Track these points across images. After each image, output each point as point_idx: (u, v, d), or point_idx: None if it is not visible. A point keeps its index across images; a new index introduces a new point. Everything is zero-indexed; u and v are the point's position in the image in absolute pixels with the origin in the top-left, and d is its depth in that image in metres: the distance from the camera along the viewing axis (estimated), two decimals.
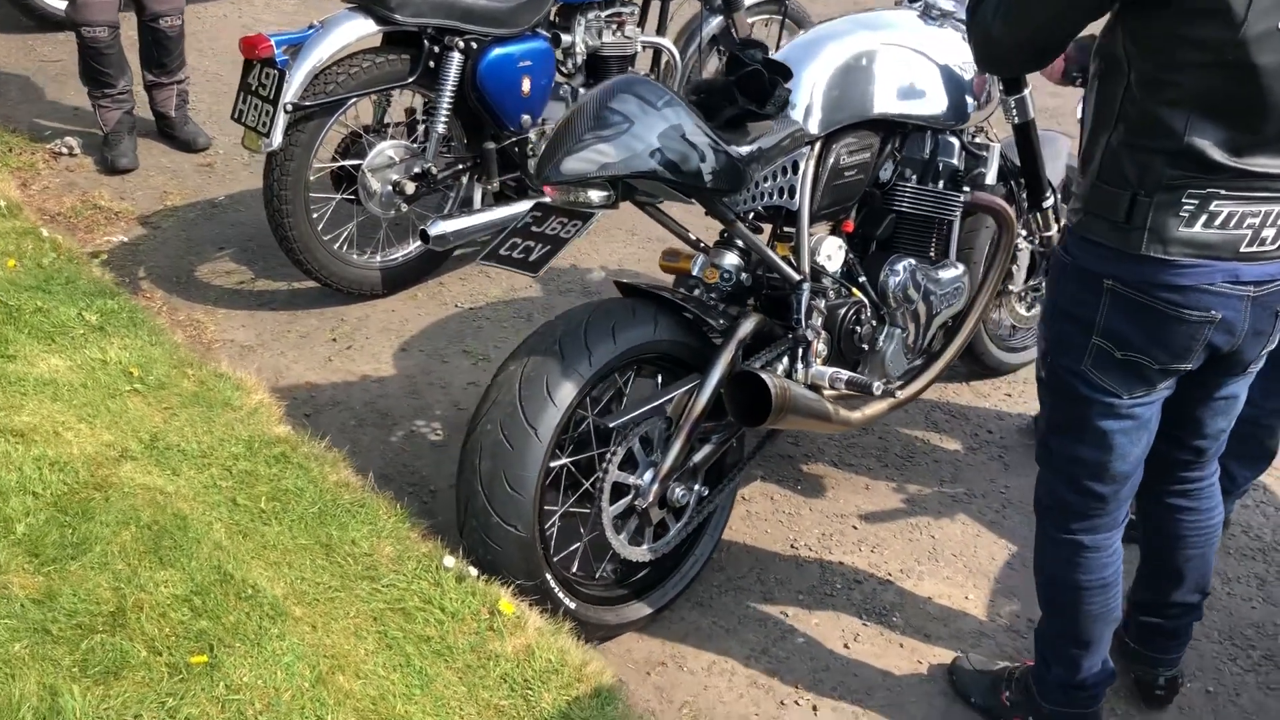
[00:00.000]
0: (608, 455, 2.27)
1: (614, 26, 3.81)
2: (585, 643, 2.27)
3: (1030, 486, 2.20)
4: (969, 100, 2.75)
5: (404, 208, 3.58)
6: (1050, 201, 2.88)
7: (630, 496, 2.32)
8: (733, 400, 2.28)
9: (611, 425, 2.26)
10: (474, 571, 2.23)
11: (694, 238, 2.63)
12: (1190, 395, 2.00)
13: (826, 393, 2.51)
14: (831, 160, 2.55)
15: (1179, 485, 2.14)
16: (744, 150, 2.29)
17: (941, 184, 2.78)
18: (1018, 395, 3.43)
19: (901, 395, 2.74)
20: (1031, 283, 3.30)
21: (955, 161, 2.80)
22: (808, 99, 2.50)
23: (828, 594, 2.63)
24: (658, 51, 4.04)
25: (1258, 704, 2.40)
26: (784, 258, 2.51)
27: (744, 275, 2.52)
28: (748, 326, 2.38)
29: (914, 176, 2.75)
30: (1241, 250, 1.74)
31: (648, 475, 2.32)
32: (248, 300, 3.60)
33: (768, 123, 2.38)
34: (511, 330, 3.56)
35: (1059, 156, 3.11)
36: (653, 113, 2.17)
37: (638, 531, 2.38)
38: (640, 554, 2.39)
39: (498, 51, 3.46)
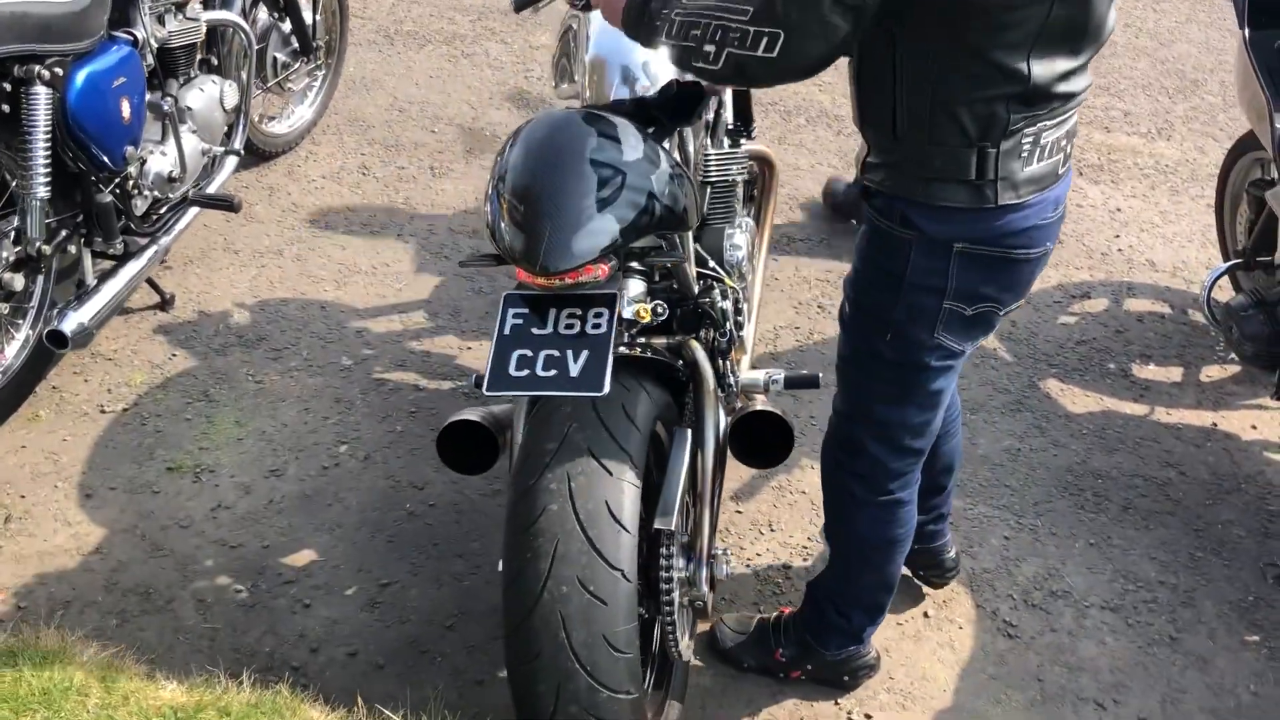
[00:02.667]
0: (664, 560, 1.90)
1: (173, 8, 2.98)
2: None
3: None
4: None
5: (3, 309, 2.59)
6: None
7: (680, 591, 1.98)
8: (742, 447, 2.02)
9: (663, 528, 1.88)
10: None
11: None
12: None
13: (760, 398, 2.32)
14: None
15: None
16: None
17: (726, 143, 2.62)
18: None
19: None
20: None
21: (726, 117, 2.65)
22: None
23: None
24: (219, 31, 3.22)
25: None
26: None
27: (668, 302, 2.19)
28: (703, 357, 2.10)
29: (709, 144, 2.56)
30: (1059, 173, 1.77)
31: (689, 562, 2.00)
32: None
33: None
34: (204, 424, 2.79)
35: None
36: (633, 152, 1.76)
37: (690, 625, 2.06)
38: (689, 650, 2.07)
39: (86, 72, 2.55)
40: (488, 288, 3.40)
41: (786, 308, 3.40)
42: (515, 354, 1.73)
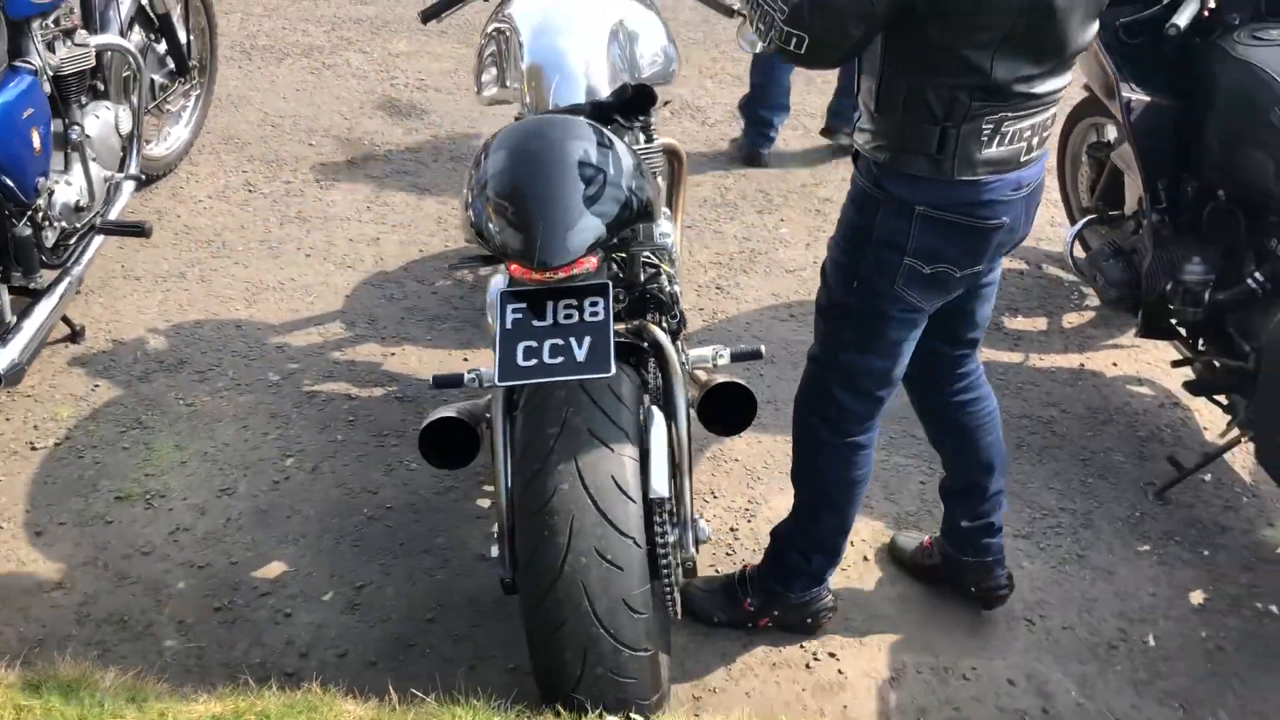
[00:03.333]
0: (659, 527, 2.03)
1: (61, 35, 2.94)
2: None
3: None
4: None
5: None
6: None
7: (673, 554, 2.12)
8: (708, 416, 2.19)
9: (656, 498, 2.02)
10: (638, 717, 1.92)
11: None
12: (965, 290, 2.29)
13: (700, 373, 2.47)
14: None
15: (960, 383, 2.41)
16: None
17: (642, 138, 2.77)
18: None
19: None
20: None
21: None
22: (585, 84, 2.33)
23: None
24: (102, 56, 3.16)
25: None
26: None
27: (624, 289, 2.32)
28: (665, 339, 2.24)
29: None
30: (1021, 160, 2.03)
31: (676, 527, 2.14)
32: None
33: None
34: (143, 451, 2.78)
35: None
36: (607, 152, 1.91)
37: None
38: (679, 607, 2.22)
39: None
40: (399, 294, 3.46)
41: (689, 291, 3.58)
42: (521, 346, 1.85)
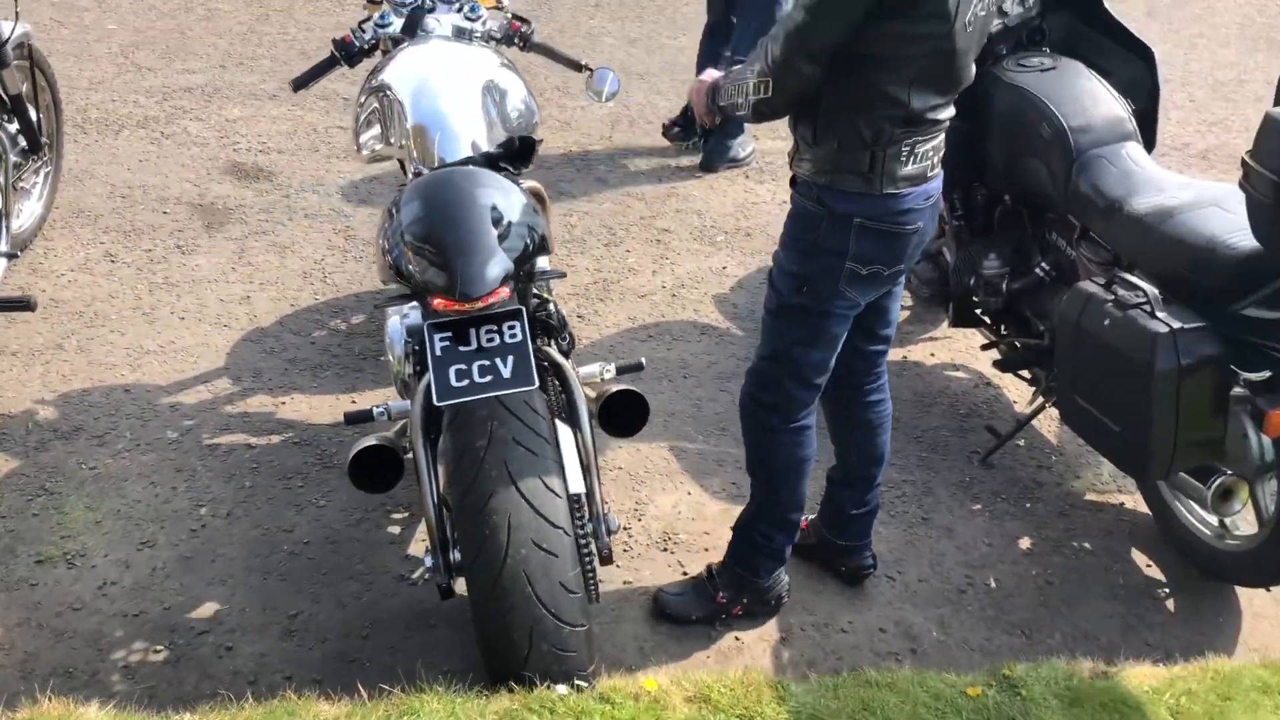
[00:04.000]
0: (577, 519, 2.31)
1: None
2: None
3: None
4: None
5: None
6: None
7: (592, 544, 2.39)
8: (605, 421, 2.48)
9: (576, 492, 2.30)
10: (582, 684, 2.17)
11: None
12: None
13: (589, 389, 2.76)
14: None
15: (871, 383, 2.77)
16: None
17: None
18: None
19: None
20: None
21: None
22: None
23: None
24: None
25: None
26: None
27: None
28: (560, 357, 2.53)
29: None
30: (928, 175, 2.44)
31: (590, 518, 2.41)
32: None
33: None
34: (55, 515, 2.87)
35: None
36: (508, 196, 2.20)
37: None
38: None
39: None
40: (277, 347, 3.62)
41: None
42: (452, 369, 2.11)
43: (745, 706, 2.18)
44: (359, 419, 2.62)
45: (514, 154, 2.39)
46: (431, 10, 3.10)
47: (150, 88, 5.43)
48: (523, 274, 2.25)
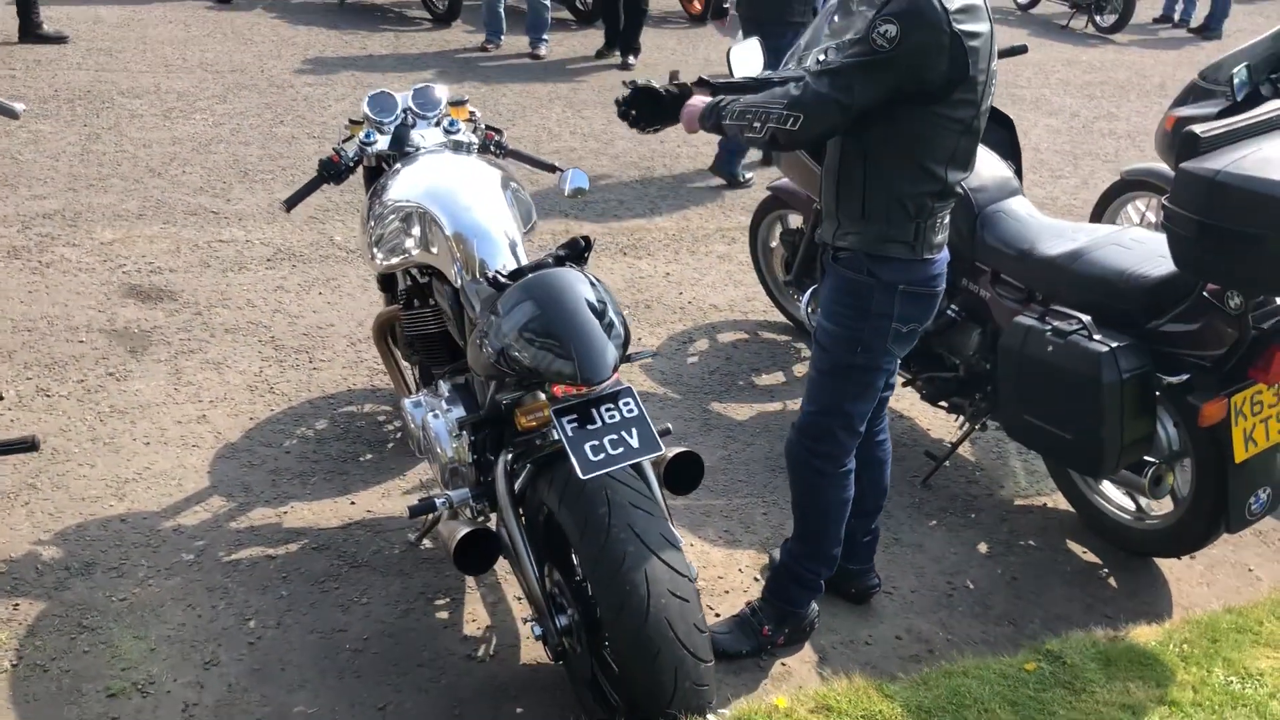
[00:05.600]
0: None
1: None
2: None
3: None
4: None
5: None
6: None
7: None
8: (670, 481, 2.77)
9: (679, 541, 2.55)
10: (723, 712, 2.41)
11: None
12: None
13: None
14: None
15: (878, 424, 3.14)
16: None
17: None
18: None
19: None
20: None
21: None
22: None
23: None
24: None
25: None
26: None
27: None
28: None
29: None
30: (947, 241, 2.83)
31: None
32: None
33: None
34: (106, 650, 2.85)
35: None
36: (600, 292, 2.47)
37: None
38: None
39: None
40: (256, 460, 3.68)
41: None
42: (587, 445, 2.35)
43: (865, 709, 2.49)
44: (423, 510, 2.79)
45: (578, 253, 2.66)
46: (414, 126, 3.32)
47: (5, 217, 5.27)
48: (623, 357, 2.51)
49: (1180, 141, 2.86)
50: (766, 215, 4.78)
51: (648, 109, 2.89)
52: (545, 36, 8.96)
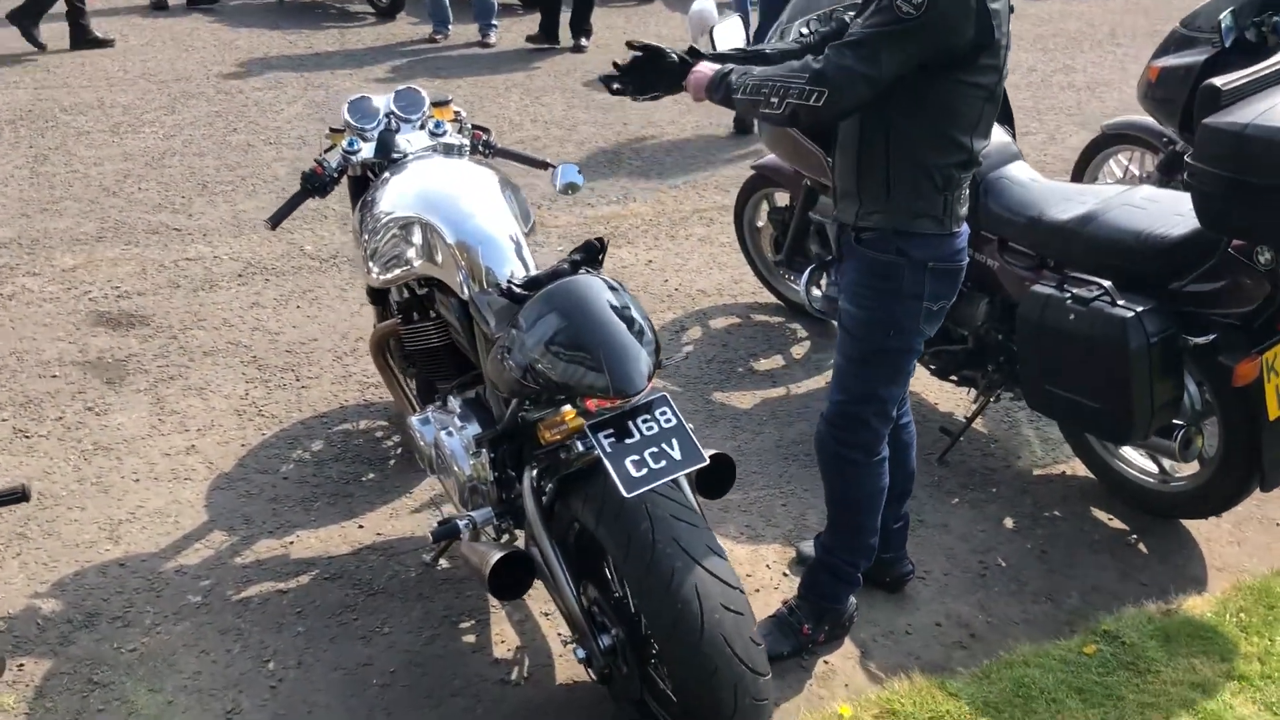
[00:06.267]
0: None
1: None
2: None
3: None
4: None
5: None
6: None
7: None
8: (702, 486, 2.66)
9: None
10: None
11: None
12: None
13: None
14: None
15: (903, 408, 3.03)
16: None
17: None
18: None
19: None
20: None
21: None
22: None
23: None
24: None
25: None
26: None
27: None
28: None
29: None
30: (967, 212, 2.72)
31: None
32: None
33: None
34: (122, 705, 2.70)
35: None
36: (625, 298, 2.35)
37: None
38: None
39: None
40: (253, 490, 3.53)
41: None
42: (628, 460, 2.23)
43: (930, 709, 2.41)
44: (447, 535, 2.67)
45: (594, 256, 2.53)
46: (397, 130, 3.16)
47: None
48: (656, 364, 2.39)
49: (1202, 97, 2.77)
50: (752, 195, 4.67)
51: (649, 74, 2.74)
52: (495, 23, 8.77)
